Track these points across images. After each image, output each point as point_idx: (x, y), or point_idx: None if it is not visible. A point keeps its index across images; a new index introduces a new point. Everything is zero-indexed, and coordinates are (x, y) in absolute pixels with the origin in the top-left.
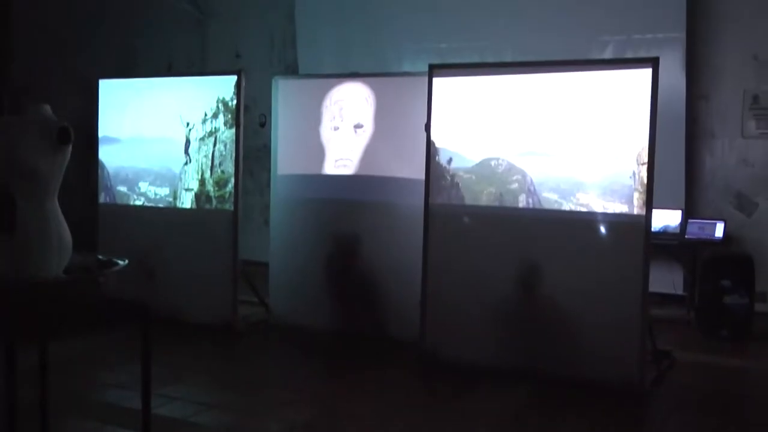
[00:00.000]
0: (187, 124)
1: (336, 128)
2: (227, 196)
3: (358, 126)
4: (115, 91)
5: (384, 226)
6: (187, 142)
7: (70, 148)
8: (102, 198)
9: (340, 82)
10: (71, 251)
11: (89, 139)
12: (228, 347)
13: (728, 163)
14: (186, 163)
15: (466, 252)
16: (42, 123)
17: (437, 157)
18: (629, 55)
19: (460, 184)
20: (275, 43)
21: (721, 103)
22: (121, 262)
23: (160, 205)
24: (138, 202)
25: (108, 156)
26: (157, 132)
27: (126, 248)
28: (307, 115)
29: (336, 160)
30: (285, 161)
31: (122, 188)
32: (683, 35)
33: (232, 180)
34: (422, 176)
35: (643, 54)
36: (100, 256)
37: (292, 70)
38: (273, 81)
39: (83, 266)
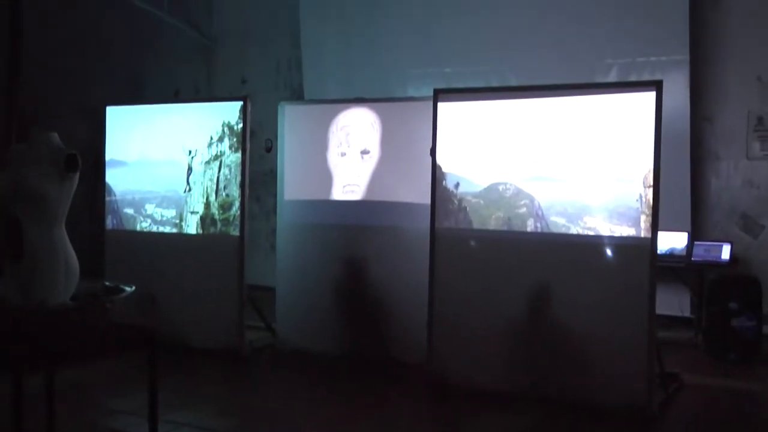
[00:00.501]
0: (189, 152)
1: (343, 154)
2: (231, 219)
3: (364, 152)
4: (122, 117)
5: (391, 251)
6: (189, 170)
7: (77, 175)
8: (109, 220)
9: (346, 108)
10: (78, 277)
11: (96, 166)
12: (234, 372)
13: (734, 185)
14: (186, 191)
15: (473, 275)
16: (50, 151)
17: (444, 182)
18: (633, 77)
19: (467, 209)
20: (281, 68)
21: (726, 124)
22: (128, 289)
23: (167, 227)
24: (144, 224)
25: (115, 179)
26: (163, 155)
27: (133, 274)
28: (313, 140)
29: (344, 186)
30: (292, 186)
31: (129, 210)
32: (687, 57)
33: (237, 203)
34: (429, 201)
35: (647, 76)
36: (107, 283)
37: (297, 94)
38: (279, 107)
39: (90, 292)
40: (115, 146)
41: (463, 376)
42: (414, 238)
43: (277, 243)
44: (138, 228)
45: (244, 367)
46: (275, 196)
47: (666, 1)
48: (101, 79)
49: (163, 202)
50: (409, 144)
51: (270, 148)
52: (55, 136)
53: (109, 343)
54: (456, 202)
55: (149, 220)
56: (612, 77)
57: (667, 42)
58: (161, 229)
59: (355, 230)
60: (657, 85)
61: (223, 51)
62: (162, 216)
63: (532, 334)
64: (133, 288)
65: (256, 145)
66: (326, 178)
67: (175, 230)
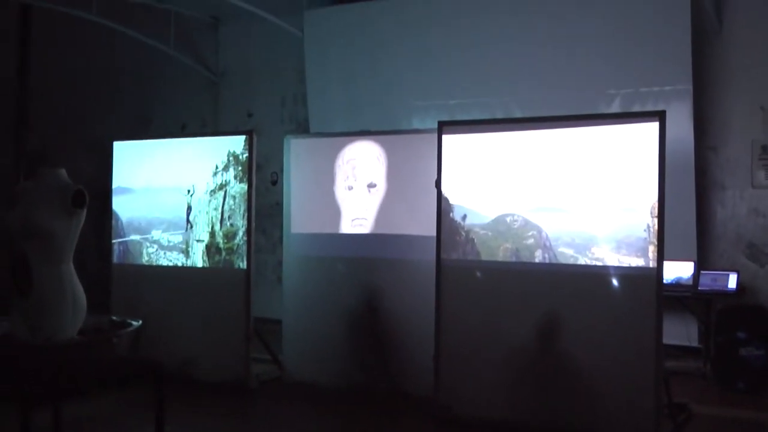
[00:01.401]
0: (188, 191)
1: (350, 188)
2: (235, 248)
3: (371, 185)
4: (129, 151)
5: (399, 283)
6: (189, 209)
7: (84, 211)
8: (115, 247)
9: (351, 141)
10: (86, 312)
11: (103, 200)
12: (241, 405)
13: (739, 214)
14: (188, 229)
15: (481, 307)
16: (58, 187)
17: (452, 214)
18: (637, 107)
19: (475, 240)
20: (286, 102)
21: (730, 154)
22: (134, 323)
23: (174, 252)
24: (151, 250)
25: (121, 206)
26: (169, 182)
27: (139, 307)
28: (319, 173)
29: (353, 220)
30: (298, 219)
31: (135, 237)
32: (690, 87)
33: (240, 232)
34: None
35: (650, 107)
36: (114, 317)
37: (303, 127)
38: (285, 140)
39: (97, 327)
40: (121, 176)
41: (470, 407)
42: (422, 271)
43: (283, 275)
44: (144, 253)
45: (251, 399)
46: (281, 228)
47: (668, 32)
48: (109, 114)
49: (169, 228)
50: (415, 176)
51: (276, 180)
52: (63, 173)
53: (116, 376)
54: (464, 233)
55: (156, 246)
56: (615, 108)
57: (669, 72)
58: (168, 254)
59: (362, 263)
60: (660, 116)
61: (230, 86)
62: (169, 242)
63: (539, 365)
64: (140, 322)
65: (262, 179)
66: (334, 211)
67: (182, 256)
